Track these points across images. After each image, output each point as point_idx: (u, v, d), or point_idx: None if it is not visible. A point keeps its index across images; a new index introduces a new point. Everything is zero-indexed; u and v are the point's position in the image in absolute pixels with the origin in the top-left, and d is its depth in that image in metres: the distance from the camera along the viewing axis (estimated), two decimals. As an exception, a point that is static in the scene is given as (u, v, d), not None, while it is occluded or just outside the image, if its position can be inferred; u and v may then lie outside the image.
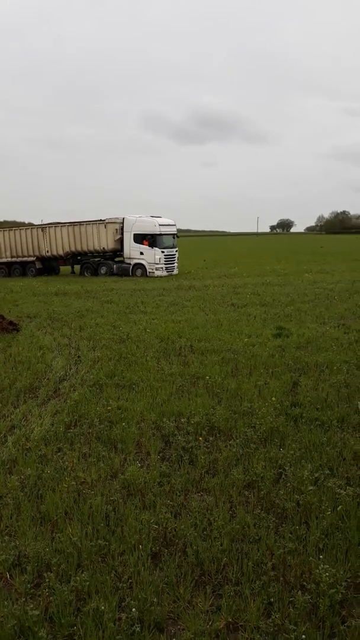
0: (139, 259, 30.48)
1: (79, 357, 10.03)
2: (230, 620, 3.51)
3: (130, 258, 31.01)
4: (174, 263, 30.98)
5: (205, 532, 4.35)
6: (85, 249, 32.65)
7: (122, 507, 4.72)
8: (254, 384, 8.11)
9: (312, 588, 3.68)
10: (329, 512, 4.50)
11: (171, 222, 31.74)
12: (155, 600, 3.62)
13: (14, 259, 35.32)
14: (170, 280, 26.86)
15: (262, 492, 4.94)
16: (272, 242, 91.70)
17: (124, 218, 31.65)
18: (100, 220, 32.05)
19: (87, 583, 3.75)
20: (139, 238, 30.39)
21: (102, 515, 4.61)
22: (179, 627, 3.53)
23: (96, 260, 32.68)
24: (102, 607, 3.52)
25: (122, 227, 31.30)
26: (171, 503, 4.81)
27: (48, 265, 35.06)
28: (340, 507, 4.57)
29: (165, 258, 30.17)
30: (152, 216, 31.22)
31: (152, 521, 4.47)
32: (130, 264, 30.94)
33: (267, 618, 3.51)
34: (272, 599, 3.63)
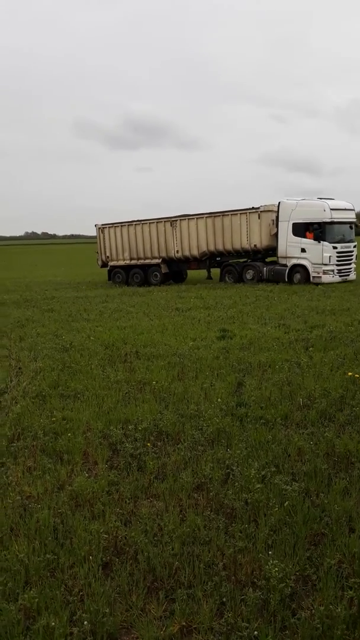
0: (299, 257, 22.59)
1: (19, 368, 9.75)
2: (184, 623, 3.51)
3: (286, 257, 23.13)
4: (350, 264, 23.07)
5: (156, 538, 4.33)
6: (229, 247, 24.61)
7: (70, 519, 4.62)
8: (200, 386, 8.17)
9: (262, 584, 3.74)
10: (277, 509, 4.58)
11: (349, 205, 23.57)
12: (107, 611, 3.57)
13: (133, 262, 27.57)
14: (113, 287, 26.55)
15: (211, 494, 4.98)
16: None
17: (279, 203, 23.49)
18: (253, 208, 23.99)
19: (36, 600, 3.65)
20: (301, 229, 22.44)
21: (50, 528, 4.49)
22: (132, 635, 3.49)
23: (241, 262, 25.03)
24: (53, 623, 3.43)
25: (277, 215, 23.42)
26: (121, 511, 4.76)
27: (177, 269, 27.37)
28: (287, 502, 4.67)
29: (338, 257, 22.29)
30: (320, 198, 23.08)
31: (101, 531, 4.40)
32: (286, 265, 23.05)
33: (220, 618, 3.53)
34: (224, 599, 3.66)
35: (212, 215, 25.01)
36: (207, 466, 5.43)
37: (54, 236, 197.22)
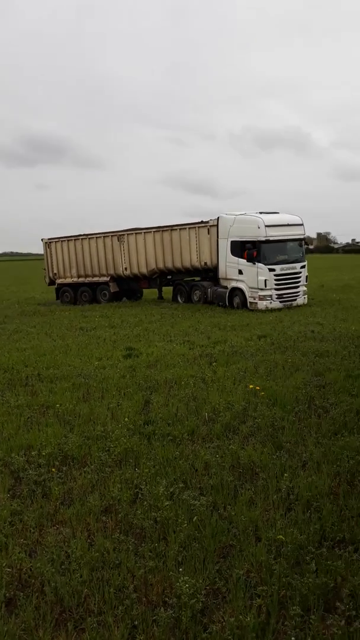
0: (237, 280, 20.18)
1: None
2: (95, 653, 3.39)
3: (226, 279, 20.75)
4: (296, 288, 20.29)
5: (63, 566, 4.17)
6: (179, 265, 22.13)
7: (-31, 556, 4.32)
8: (106, 406, 8.06)
9: (174, 602, 3.71)
10: (185, 525, 4.60)
11: (294, 220, 20.94)
12: (11, 650, 3.36)
13: (81, 279, 25.11)
14: (12, 306, 25.43)
15: (119, 515, 4.89)
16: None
17: (218, 218, 20.97)
18: (202, 222, 21.47)
19: None
20: (238, 248, 20.01)
21: None
22: (39, 673, 3.31)
23: (190, 281, 22.76)
24: None
25: (217, 232, 20.91)
26: (25, 542, 4.54)
27: (127, 288, 24.86)
28: (195, 517, 4.70)
29: (278, 280, 19.64)
30: (261, 212, 20.33)
31: (4, 565, 4.16)
32: (227, 287, 20.66)
33: (131, 643, 3.45)
34: (135, 622, 3.59)
35: (160, 229, 22.60)
36: (115, 487, 5.34)
37: None
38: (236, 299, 20.30)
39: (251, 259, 19.47)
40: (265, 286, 19.40)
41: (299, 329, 14.69)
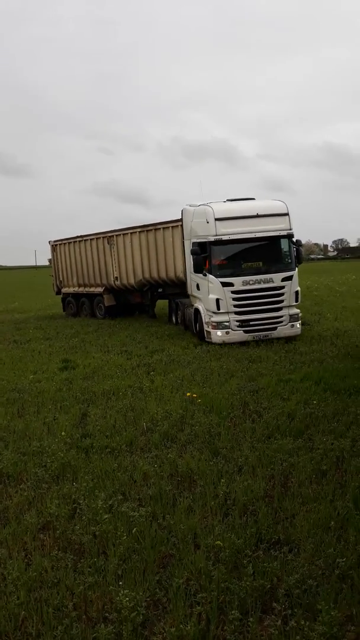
0: (197, 297, 14.67)
1: None
2: None
3: (192, 296, 15.29)
4: (274, 311, 13.56)
5: (-1, 589, 4.05)
6: (164, 275, 16.89)
7: None
8: (42, 421, 7.90)
9: (114, 617, 3.69)
10: (125, 537, 4.59)
11: (268, 209, 14.11)
12: None
13: (81, 289, 21.40)
14: None
15: (57, 532, 4.81)
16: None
17: (182, 211, 15.50)
18: (179, 220, 15.71)
19: None
20: (195, 252, 14.06)
21: None
22: None
23: (177, 296, 17.13)
24: None
25: (182, 229, 15.62)
26: None
27: (124, 301, 20.12)
28: (135, 529, 4.70)
29: (238, 299, 13.43)
30: (228, 200, 14.81)
31: None
32: (193, 306, 15.05)
33: (71, 662, 3.40)
34: (75, 641, 3.54)
35: (145, 228, 17.63)
36: (52, 503, 5.24)
37: None
38: (197, 325, 14.51)
39: (199, 269, 13.90)
40: (218, 309, 13.38)
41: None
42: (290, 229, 14.13)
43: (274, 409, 7.84)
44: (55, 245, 23.27)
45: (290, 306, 13.80)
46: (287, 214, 14.22)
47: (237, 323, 13.43)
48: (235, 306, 13.46)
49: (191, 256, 14.38)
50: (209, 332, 13.76)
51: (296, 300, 14.00)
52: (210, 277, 13.60)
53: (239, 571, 4.12)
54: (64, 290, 22.91)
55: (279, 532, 4.64)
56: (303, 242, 14.12)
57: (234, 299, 13.44)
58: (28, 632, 3.67)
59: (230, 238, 13.59)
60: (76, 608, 3.83)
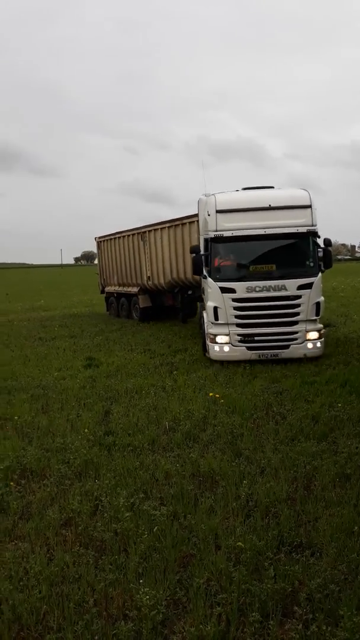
0: (203, 304, 12.81)
1: None
2: (54, 671, 3.35)
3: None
4: (288, 325, 11.14)
5: (22, 583, 4.10)
6: (189, 275, 15.27)
7: None
8: (66, 418, 7.97)
9: (134, 615, 3.71)
10: (146, 535, 4.60)
11: (286, 199, 11.56)
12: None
13: (121, 288, 20.43)
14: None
15: (79, 528, 4.84)
16: (78, 274, 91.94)
17: (198, 201, 13.27)
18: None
19: None
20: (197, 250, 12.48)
21: None
22: None
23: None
24: None
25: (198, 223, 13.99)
26: (-18, 559, 4.43)
27: (160, 303, 18.78)
28: (156, 528, 4.71)
29: (241, 308, 11.18)
30: (245, 189, 12.36)
31: None
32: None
33: (91, 658, 3.42)
34: (96, 637, 3.56)
35: (174, 223, 16.43)
36: (74, 500, 5.28)
37: None
38: (202, 335, 12.67)
39: (197, 270, 11.94)
40: (216, 319, 11.30)
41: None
42: (314, 225, 11.32)
43: (298, 411, 7.76)
44: (100, 242, 22.25)
45: (306, 319, 11.19)
46: (309, 206, 11.37)
47: (239, 337, 11.18)
48: (236, 317, 11.16)
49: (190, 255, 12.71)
50: (207, 346, 11.75)
51: (317, 314, 11.28)
52: (209, 280, 11.52)
53: (260, 573, 4.09)
54: (107, 289, 22.08)
55: (301, 536, 4.59)
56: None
57: (235, 308, 11.13)
58: (49, 625, 3.70)
59: (233, 234, 11.19)
60: (97, 604, 3.85)
